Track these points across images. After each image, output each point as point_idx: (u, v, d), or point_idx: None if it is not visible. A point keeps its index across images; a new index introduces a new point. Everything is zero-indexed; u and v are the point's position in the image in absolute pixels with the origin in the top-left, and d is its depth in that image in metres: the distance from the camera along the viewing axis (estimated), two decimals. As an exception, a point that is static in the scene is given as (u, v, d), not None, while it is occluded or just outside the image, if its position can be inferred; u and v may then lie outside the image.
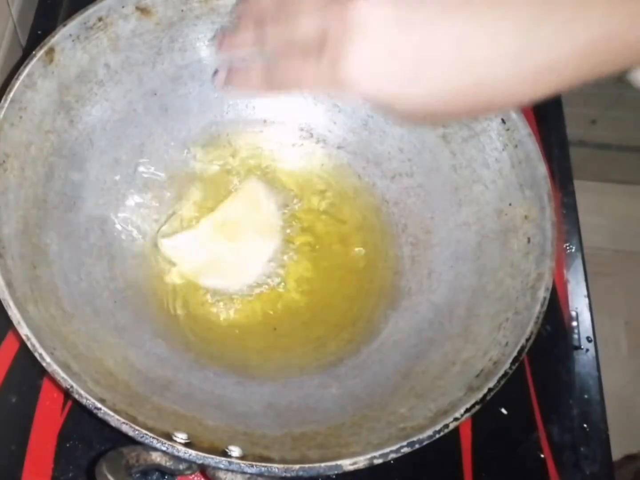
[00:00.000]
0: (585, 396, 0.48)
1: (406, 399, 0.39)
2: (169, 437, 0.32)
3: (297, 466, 0.32)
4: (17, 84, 0.39)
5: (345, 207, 0.51)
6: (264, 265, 0.48)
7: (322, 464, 0.32)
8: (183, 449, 0.32)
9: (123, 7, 0.44)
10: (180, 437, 0.32)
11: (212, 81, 0.49)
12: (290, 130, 0.52)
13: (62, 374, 0.32)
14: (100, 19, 0.43)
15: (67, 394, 0.42)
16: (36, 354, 0.33)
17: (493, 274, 0.42)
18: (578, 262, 0.53)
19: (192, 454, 0.32)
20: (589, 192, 0.76)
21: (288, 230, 0.49)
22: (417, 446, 0.33)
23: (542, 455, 0.46)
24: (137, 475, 0.41)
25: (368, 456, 0.32)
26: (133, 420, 0.32)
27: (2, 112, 0.38)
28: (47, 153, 0.42)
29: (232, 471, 0.32)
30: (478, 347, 0.39)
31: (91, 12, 0.43)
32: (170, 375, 0.41)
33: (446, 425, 0.34)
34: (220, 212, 0.48)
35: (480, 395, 0.35)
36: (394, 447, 0.33)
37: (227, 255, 0.48)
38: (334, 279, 0.48)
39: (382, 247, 0.49)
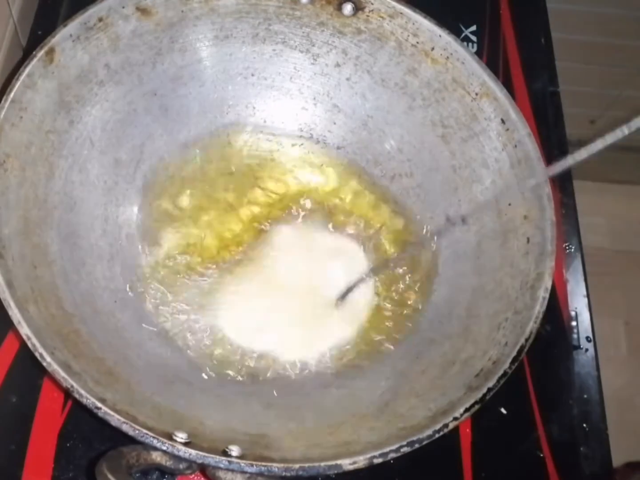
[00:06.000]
0: (585, 396, 0.48)
1: (406, 399, 0.39)
2: (169, 436, 0.32)
3: (297, 465, 0.32)
4: (18, 84, 0.39)
5: (345, 207, 0.51)
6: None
7: (322, 464, 0.32)
8: (183, 448, 0.32)
9: (123, 7, 0.44)
10: (181, 436, 0.32)
11: (212, 82, 0.50)
12: (290, 131, 0.52)
13: (63, 374, 0.32)
14: (100, 19, 0.43)
15: (67, 393, 0.43)
16: (36, 354, 0.33)
17: (493, 273, 0.42)
18: (577, 262, 0.53)
19: (192, 453, 0.32)
20: (588, 192, 0.76)
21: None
22: (416, 446, 0.33)
23: (542, 455, 0.46)
24: (138, 474, 0.41)
25: (368, 456, 0.32)
26: (133, 419, 0.32)
27: (3, 113, 0.38)
28: (48, 153, 0.42)
29: (232, 470, 0.32)
30: (477, 347, 0.39)
31: (91, 12, 0.43)
32: (171, 375, 0.41)
33: (446, 425, 0.34)
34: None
35: (479, 395, 0.35)
36: (393, 447, 0.33)
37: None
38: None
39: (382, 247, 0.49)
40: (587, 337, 0.50)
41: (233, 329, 0.45)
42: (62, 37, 0.42)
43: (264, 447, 0.35)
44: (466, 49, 0.45)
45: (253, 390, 0.42)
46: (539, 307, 0.38)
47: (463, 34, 0.62)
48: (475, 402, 0.35)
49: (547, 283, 0.39)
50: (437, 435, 0.33)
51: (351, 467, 0.32)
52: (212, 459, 0.32)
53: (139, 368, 0.40)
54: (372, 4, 0.46)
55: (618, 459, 0.48)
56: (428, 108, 0.47)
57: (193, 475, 0.41)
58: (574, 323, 0.51)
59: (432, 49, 0.46)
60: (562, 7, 0.83)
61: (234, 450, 0.33)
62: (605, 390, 0.49)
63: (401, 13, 0.46)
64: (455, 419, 0.34)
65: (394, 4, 0.46)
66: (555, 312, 0.51)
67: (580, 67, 0.93)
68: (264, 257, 0.47)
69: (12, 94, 0.39)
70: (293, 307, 0.46)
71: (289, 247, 0.48)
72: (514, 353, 0.36)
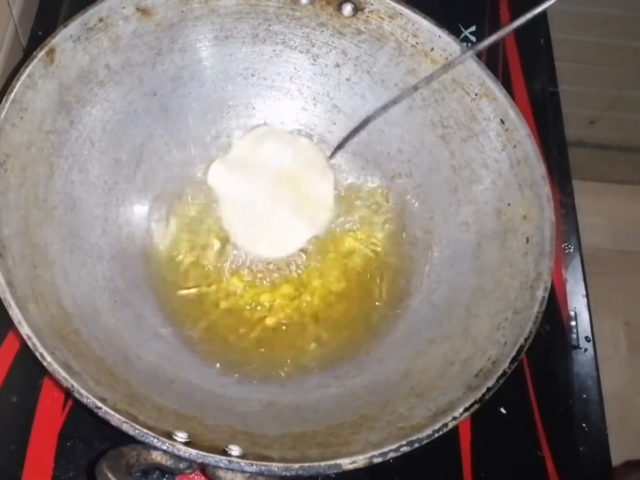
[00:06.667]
0: (584, 396, 0.48)
1: (406, 399, 0.39)
2: (169, 436, 0.32)
3: (296, 465, 0.32)
4: (18, 85, 0.39)
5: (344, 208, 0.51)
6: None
7: (322, 463, 0.32)
8: (183, 448, 0.32)
9: (123, 7, 0.44)
10: (181, 436, 0.32)
11: (212, 82, 0.50)
12: (291, 131, 0.52)
13: (63, 374, 0.32)
14: (100, 20, 0.43)
15: (67, 393, 0.43)
16: (37, 354, 0.33)
17: (492, 273, 0.42)
18: (577, 262, 0.54)
19: (192, 453, 0.32)
20: (588, 192, 0.77)
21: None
22: (416, 445, 0.33)
23: (542, 455, 0.46)
24: (138, 474, 0.41)
25: (367, 455, 0.32)
26: (133, 419, 0.32)
27: (3, 113, 0.38)
28: (48, 153, 0.42)
29: (232, 470, 0.32)
30: (477, 347, 0.39)
31: (92, 12, 0.43)
32: (171, 374, 0.41)
33: (445, 425, 0.34)
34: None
35: (479, 394, 0.35)
36: (393, 447, 0.33)
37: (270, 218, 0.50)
38: (334, 280, 0.48)
39: (382, 247, 0.49)
40: (586, 337, 0.50)
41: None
42: (62, 37, 0.42)
43: (263, 447, 0.35)
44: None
45: (253, 389, 0.42)
46: (539, 307, 0.38)
47: (463, 34, 0.62)
48: (475, 402, 0.35)
49: (547, 283, 0.39)
50: (436, 435, 0.33)
51: (351, 467, 0.32)
52: (212, 459, 0.32)
53: (139, 368, 0.40)
54: (371, 4, 0.46)
55: (618, 458, 0.48)
56: (428, 108, 0.47)
57: (193, 475, 0.42)
58: (573, 323, 0.51)
59: (432, 49, 0.46)
60: (562, 7, 0.83)
61: (234, 450, 0.33)
62: (605, 390, 0.49)
63: (401, 14, 0.46)
64: (455, 418, 0.34)
65: (394, 4, 0.46)
66: (555, 312, 0.51)
67: (580, 67, 0.93)
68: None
69: (12, 94, 0.39)
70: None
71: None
72: (514, 353, 0.36)
